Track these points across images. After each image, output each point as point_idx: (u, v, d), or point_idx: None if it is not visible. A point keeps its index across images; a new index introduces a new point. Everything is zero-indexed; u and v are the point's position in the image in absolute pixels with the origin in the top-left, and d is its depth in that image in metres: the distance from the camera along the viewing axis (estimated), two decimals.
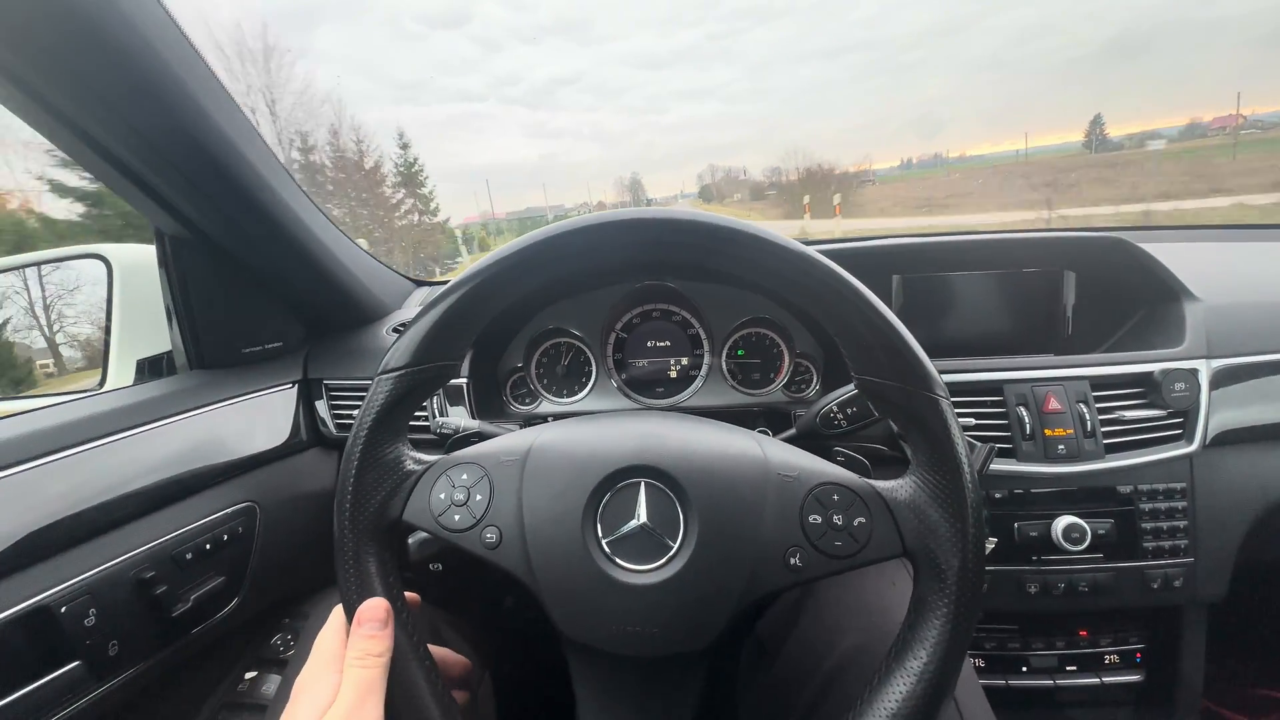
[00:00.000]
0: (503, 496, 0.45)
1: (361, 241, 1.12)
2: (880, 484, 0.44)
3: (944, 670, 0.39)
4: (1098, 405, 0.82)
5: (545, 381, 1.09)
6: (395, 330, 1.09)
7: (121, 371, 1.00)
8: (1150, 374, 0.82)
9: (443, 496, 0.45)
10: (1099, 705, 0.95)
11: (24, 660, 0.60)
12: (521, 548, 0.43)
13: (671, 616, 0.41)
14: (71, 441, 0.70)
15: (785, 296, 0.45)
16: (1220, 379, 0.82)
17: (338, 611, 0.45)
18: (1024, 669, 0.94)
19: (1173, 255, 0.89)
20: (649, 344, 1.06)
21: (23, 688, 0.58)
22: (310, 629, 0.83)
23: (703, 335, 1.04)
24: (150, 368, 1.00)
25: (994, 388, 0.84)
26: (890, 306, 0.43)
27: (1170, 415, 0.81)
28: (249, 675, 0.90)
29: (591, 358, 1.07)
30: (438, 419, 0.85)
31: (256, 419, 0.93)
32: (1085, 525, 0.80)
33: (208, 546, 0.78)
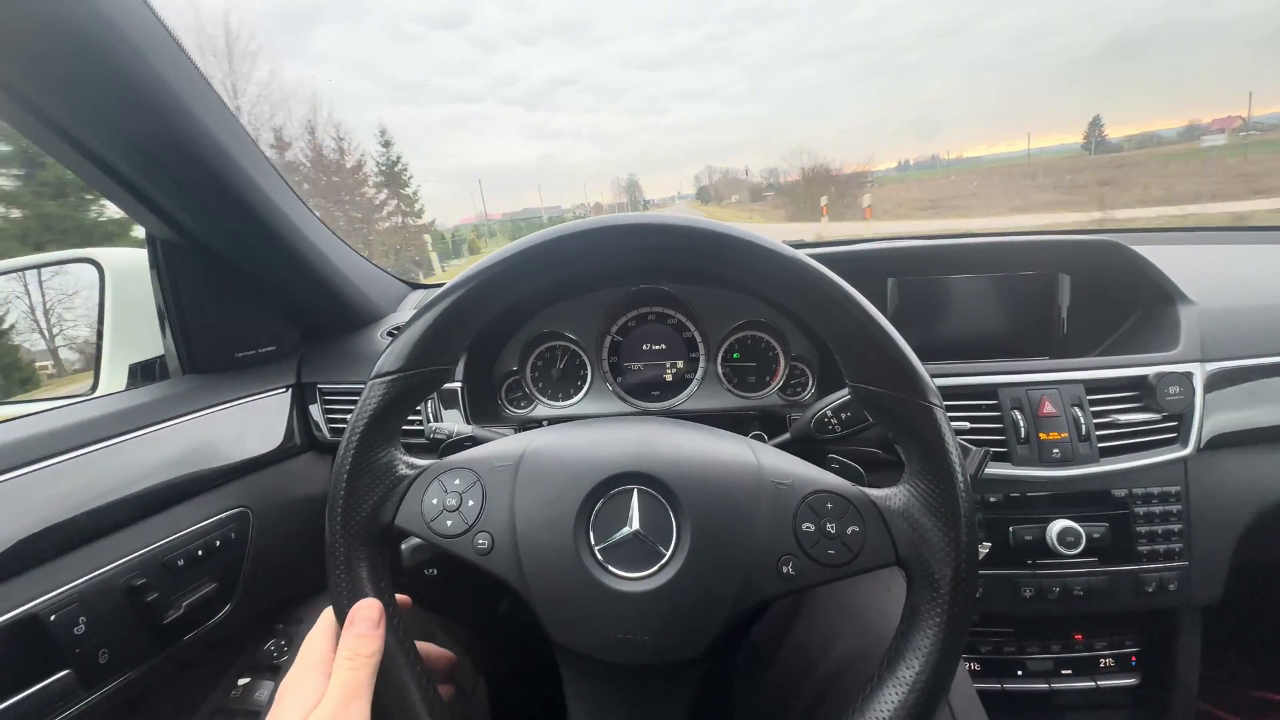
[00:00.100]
0: (495, 502, 0.44)
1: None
2: (873, 492, 0.44)
3: (937, 679, 0.39)
4: (1092, 409, 0.82)
5: (540, 385, 1.09)
6: (389, 334, 1.08)
7: (114, 376, 0.99)
8: (1145, 377, 0.82)
9: (435, 502, 0.45)
10: (1094, 708, 0.95)
11: (13, 669, 0.59)
12: (513, 554, 0.43)
13: (663, 624, 0.41)
14: (63, 447, 0.70)
15: (779, 302, 0.45)
16: (1215, 382, 0.82)
17: (326, 614, 0.45)
18: (1019, 672, 0.94)
19: (1167, 258, 0.89)
20: (644, 347, 1.06)
21: (11, 697, 0.58)
22: (303, 635, 0.82)
23: (698, 339, 1.04)
24: (143, 372, 1.00)
25: (989, 391, 0.84)
26: (885, 309, 0.43)
27: (1165, 419, 0.82)
28: (242, 681, 0.89)
29: (587, 361, 1.07)
30: (431, 423, 0.85)
31: (250, 424, 0.93)
32: (1080, 529, 0.80)
33: (200, 552, 0.78)
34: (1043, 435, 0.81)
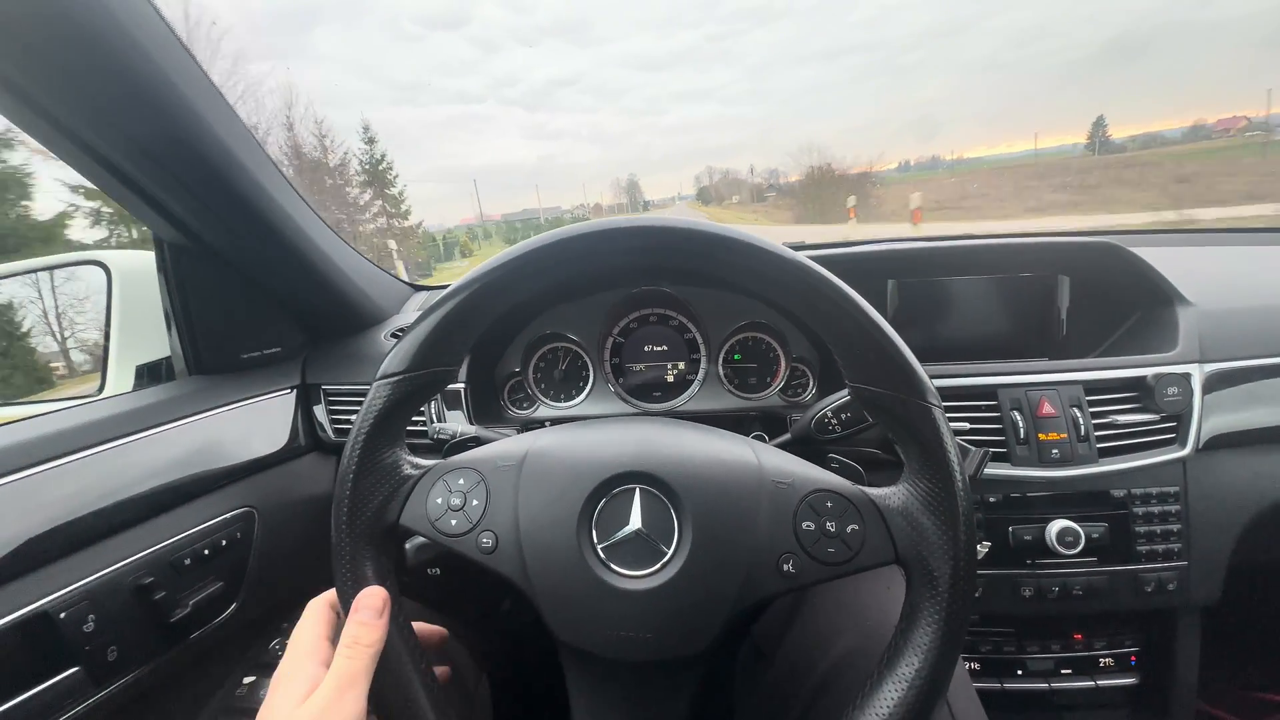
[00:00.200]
0: (499, 501, 0.45)
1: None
2: (873, 491, 0.44)
3: (936, 676, 0.39)
4: (1091, 409, 0.82)
5: (543, 386, 1.09)
6: (393, 335, 1.09)
7: (121, 377, 1.00)
8: (1143, 378, 0.82)
9: (439, 501, 0.46)
10: (1094, 708, 0.95)
11: (24, 666, 0.60)
12: (517, 553, 0.43)
13: (665, 622, 0.41)
14: (71, 448, 0.70)
15: (779, 303, 0.46)
16: (1213, 383, 0.82)
17: (313, 604, 0.46)
18: (1019, 672, 0.94)
19: (1166, 260, 0.89)
20: (646, 349, 1.07)
21: (23, 693, 0.59)
22: None
23: (699, 340, 1.05)
24: (149, 373, 1.01)
25: (988, 392, 0.85)
26: (885, 311, 0.44)
27: (1163, 419, 0.82)
28: (247, 680, 0.90)
29: (589, 362, 1.07)
30: (435, 424, 0.86)
31: (255, 424, 0.94)
32: (1079, 529, 0.80)
33: (206, 552, 0.78)
34: (1042, 436, 0.82)
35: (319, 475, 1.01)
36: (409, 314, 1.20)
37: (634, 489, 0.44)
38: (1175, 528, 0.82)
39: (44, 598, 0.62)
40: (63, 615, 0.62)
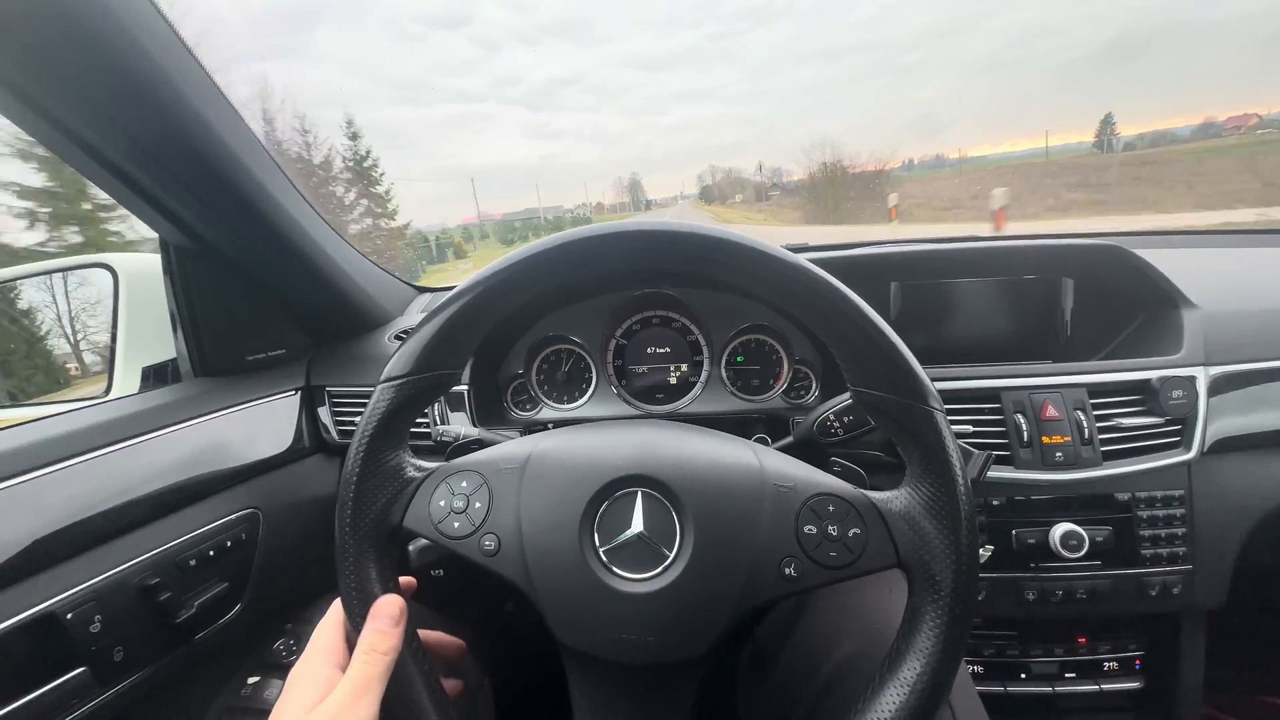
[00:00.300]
0: (501, 504, 0.45)
1: None
2: (875, 495, 0.44)
3: (938, 680, 0.39)
4: (1095, 412, 0.82)
5: (546, 388, 1.09)
6: (397, 337, 1.10)
7: (127, 379, 1.01)
8: (1148, 381, 0.82)
9: (442, 504, 0.46)
10: (1098, 712, 0.95)
11: (31, 666, 0.60)
12: (519, 555, 0.43)
13: (667, 625, 0.41)
14: (77, 449, 0.71)
15: (782, 307, 0.46)
16: (1218, 386, 0.82)
17: (337, 605, 0.46)
18: (1023, 675, 0.94)
19: (1170, 262, 0.89)
20: (649, 351, 1.07)
21: (30, 693, 0.59)
22: (311, 634, 0.83)
23: (702, 342, 1.05)
24: (155, 375, 1.01)
25: (991, 395, 0.85)
26: (888, 314, 0.44)
27: (1168, 422, 0.82)
28: (251, 680, 0.90)
29: (592, 364, 1.07)
30: (439, 426, 0.86)
31: (260, 426, 0.94)
32: (1083, 532, 0.80)
33: (211, 552, 0.79)
34: (1045, 439, 0.82)
35: (323, 477, 1.02)
36: (413, 315, 1.21)
37: (636, 492, 0.44)
38: (1180, 531, 0.82)
39: (51, 598, 0.62)
40: (69, 616, 0.62)
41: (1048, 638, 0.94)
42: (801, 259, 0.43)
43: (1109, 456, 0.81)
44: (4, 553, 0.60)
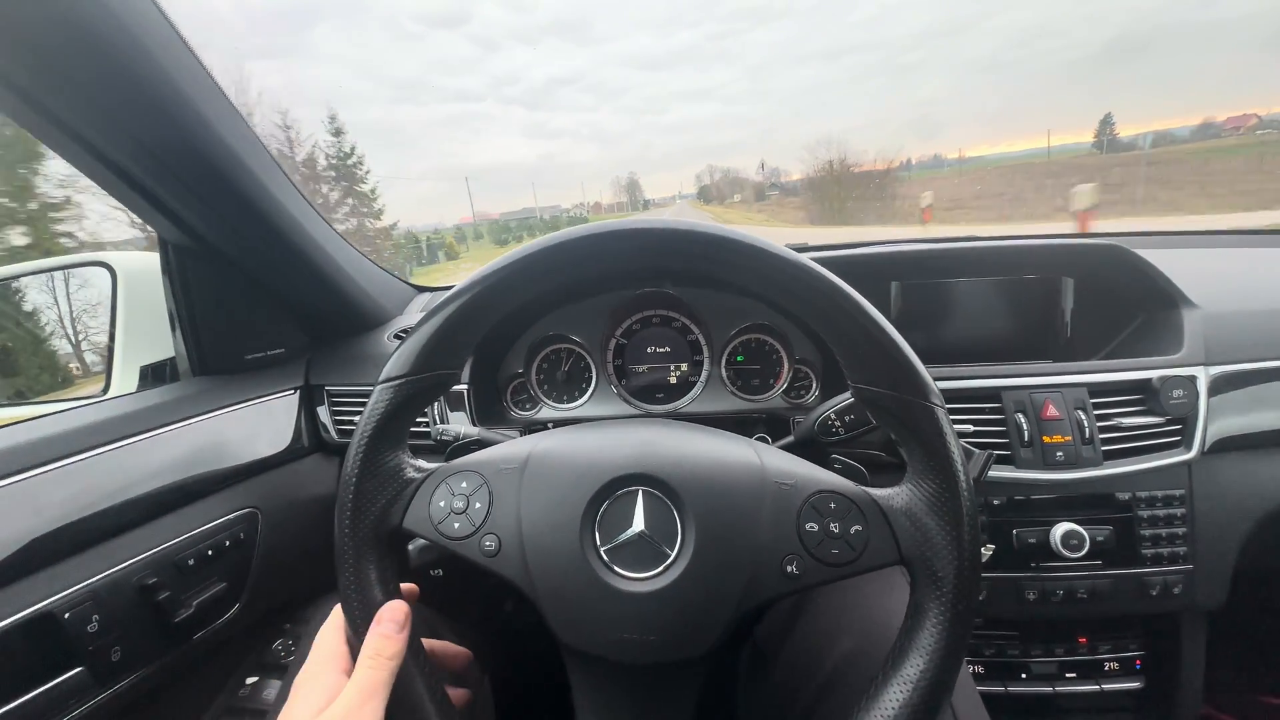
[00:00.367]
0: (502, 504, 0.45)
1: None
2: (876, 492, 0.44)
3: (940, 677, 0.39)
4: (1096, 412, 0.82)
5: (546, 387, 1.09)
6: (396, 337, 1.09)
7: (125, 378, 1.00)
8: (1148, 381, 0.82)
9: (442, 504, 0.46)
10: (1098, 712, 0.95)
11: (28, 666, 0.60)
12: (520, 555, 0.43)
13: (669, 624, 0.41)
14: (76, 448, 0.71)
15: (782, 305, 0.46)
16: (1218, 386, 0.82)
17: (337, 610, 0.45)
18: (1023, 675, 0.94)
19: (1171, 262, 0.89)
20: (649, 350, 1.07)
21: (27, 693, 0.59)
22: (311, 634, 0.83)
23: (702, 342, 1.05)
24: (153, 374, 1.01)
25: (992, 394, 0.85)
26: (889, 313, 0.43)
27: (1169, 422, 0.82)
28: (250, 680, 0.90)
29: (592, 364, 1.07)
30: (438, 425, 0.86)
31: (259, 425, 0.94)
32: (1084, 532, 0.80)
33: (210, 552, 0.79)
34: (1046, 438, 0.82)
35: (322, 476, 1.02)
36: (412, 315, 1.21)
37: (636, 491, 0.44)
38: (1181, 531, 0.82)
39: (49, 598, 0.62)
40: (67, 615, 0.62)
41: (1048, 638, 0.94)
42: (802, 257, 0.43)
43: (1109, 456, 0.81)
44: (1, 551, 0.60)
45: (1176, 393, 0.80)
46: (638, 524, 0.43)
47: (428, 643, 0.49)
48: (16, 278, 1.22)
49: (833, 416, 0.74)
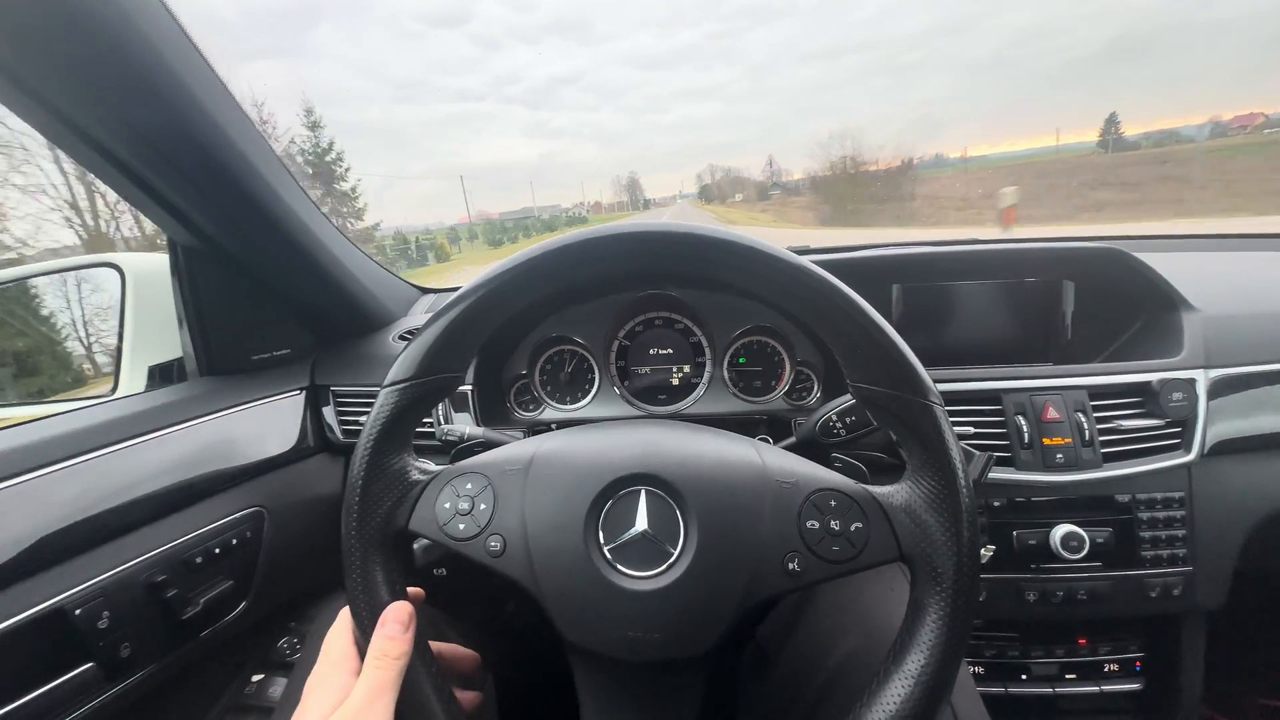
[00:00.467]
0: (506, 505, 0.46)
1: None
2: (876, 489, 0.45)
3: (941, 672, 0.39)
4: (1096, 414, 0.82)
5: (549, 389, 1.10)
6: (402, 338, 1.10)
7: (134, 377, 1.01)
8: (1148, 383, 0.82)
9: (447, 506, 0.47)
10: (1099, 713, 0.95)
11: (40, 661, 0.61)
12: (525, 555, 0.44)
13: (673, 621, 0.42)
14: (85, 447, 0.72)
15: (782, 306, 0.47)
16: (1218, 389, 0.82)
17: (346, 612, 0.46)
18: (1023, 677, 0.94)
19: (1171, 265, 0.90)
20: (651, 352, 1.07)
21: (39, 687, 0.60)
22: (316, 633, 0.84)
23: (704, 343, 1.05)
24: (161, 374, 1.02)
25: (992, 397, 0.85)
26: (890, 316, 0.44)
27: (1168, 424, 0.82)
28: (256, 678, 0.91)
29: (595, 365, 1.08)
30: (443, 425, 0.87)
31: (265, 425, 0.95)
32: (1084, 534, 0.81)
33: (217, 550, 0.80)
34: (1046, 440, 0.82)
35: (327, 475, 1.02)
36: (416, 316, 1.21)
37: (639, 490, 0.45)
38: (1180, 533, 0.82)
39: (60, 594, 0.63)
40: (78, 612, 0.63)
41: (1048, 639, 0.94)
42: (803, 260, 0.44)
43: (1109, 458, 0.82)
44: (13, 548, 0.61)
45: (1176, 395, 0.81)
46: (641, 523, 0.44)
47: (435, 645, 0.50)
48: (28, 278, 1.24)
49: (834, 418, 0.75)
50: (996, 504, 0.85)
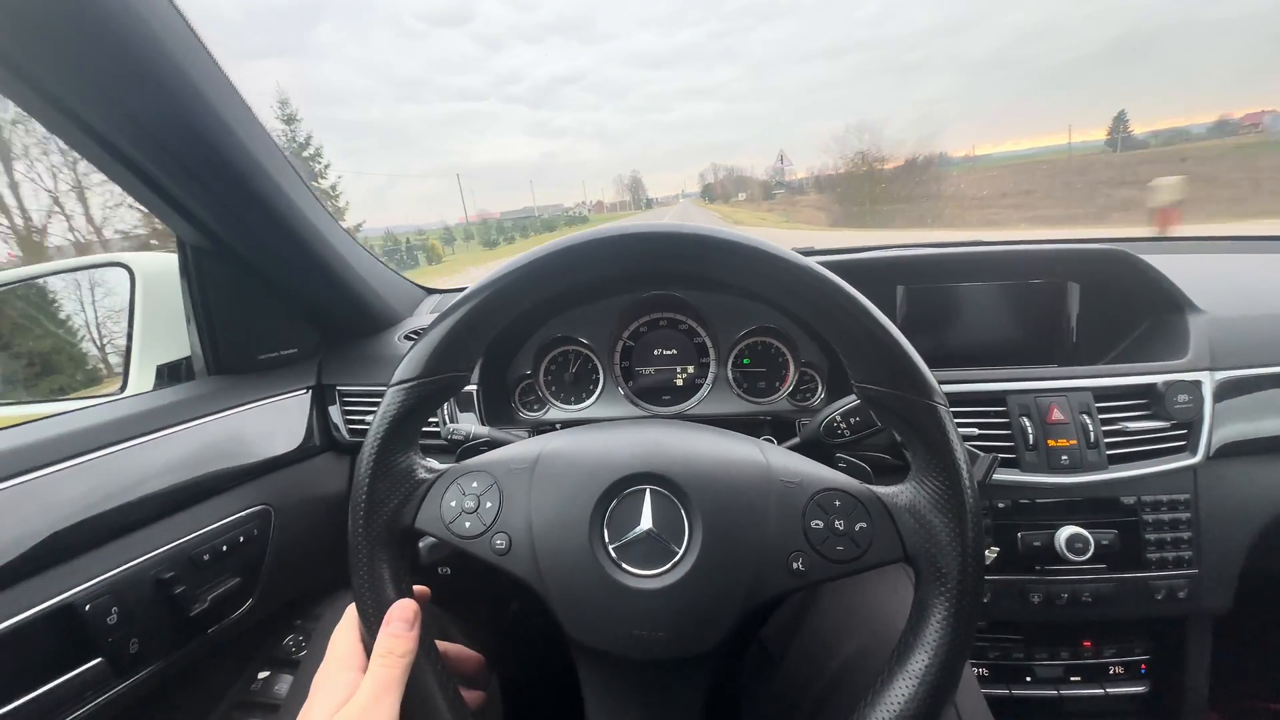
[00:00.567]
0: (512, 504, 0.46)
1: None
2: (880, 489, 0.45)
3: (946, 672, 0.40)
4: (1101, 416, 0.82)
5: (554, 389, 1.10)
6: (407, 338, 1.11)
7: (142, 376, 1.02)
8: (1154, 385, 0.82)
9: (453, 504, 0.47)
10: (1104, 716, 0.94)
11: (49, 656, 0.62)
12: (530, 554, 0.44)
13: (677, 620, 0.42)
14: (94, 445, 0.72)
15: (787, 307, 0.47)
16: (1224, 391, 0.82)
17: (352, 610, 0.46)
18: (1028, 679, 0.94)
19: (1176, 267, 0.89)
20: (656, 352, 1.08)
21: (49, 682, 0.60)
22: (322, 630, 0.84)
23: (709, 344, 1.06)
24: (169, 373, 1.03)
25: (997, 398, 0.85)
26: (895, 317, 0.44)
27: (1174, 427, 0.82)
28: (262, 675, 0.91)
29: (599, 366, 1.08)
30: (448, 425, 0.87)
31: (272, 424, 0.96)
32: (1088, 536, 0.80)
33: (224, 548, 0.80)
34: (1051, 442, 0.82)
35: (334, 474, 1.03)
36: (422, 316, 1.22)
37: (644, 489, 0.45)
38: (1186, 535, 0.82)
39: (69, 590, 0.63)
40: (87, 608, 0.64)
41: (1053, 641, 0.94)
42: (808, 260, 0.44)
43: (1114, 460, 0.82)
44: (24, 545, 0.62)
45: (1181, 398, 0.80)
46: (646, 522, 0.44)
47: (441, 645, 0.50)
48: (39, 278, 1.25)
49: (838, 419, 0.75)
50: (1001, 505, 0.84)
